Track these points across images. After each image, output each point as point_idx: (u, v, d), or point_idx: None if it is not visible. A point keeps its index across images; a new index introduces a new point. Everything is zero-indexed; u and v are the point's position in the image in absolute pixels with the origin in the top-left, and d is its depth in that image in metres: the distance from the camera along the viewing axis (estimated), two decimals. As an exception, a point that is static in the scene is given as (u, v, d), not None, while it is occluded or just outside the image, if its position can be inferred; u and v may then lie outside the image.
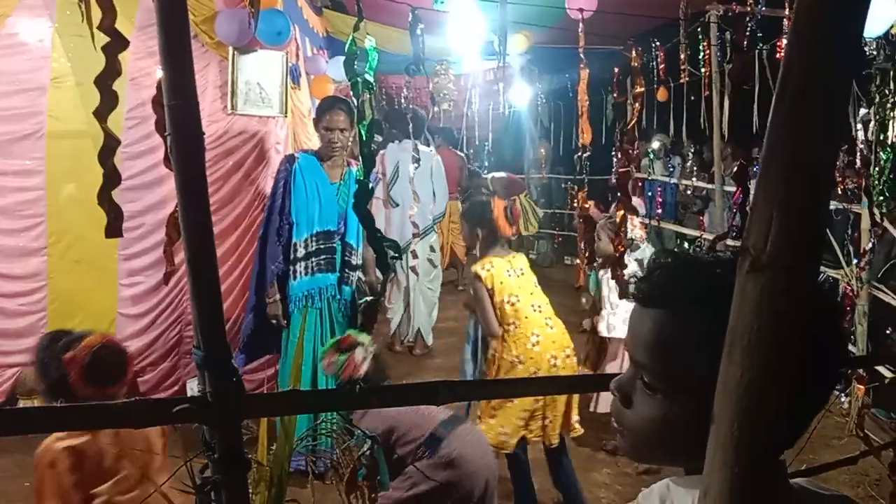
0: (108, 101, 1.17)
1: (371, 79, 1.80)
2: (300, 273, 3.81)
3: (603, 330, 4.19)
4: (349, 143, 3.87)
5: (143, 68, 4.19)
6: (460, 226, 4.05)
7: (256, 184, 4.42)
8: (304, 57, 5.60)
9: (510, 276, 3.47)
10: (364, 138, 1.69)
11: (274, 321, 3.80)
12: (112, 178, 1.16)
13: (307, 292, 3.82)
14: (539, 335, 3.41)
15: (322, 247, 3.80)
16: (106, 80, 1.16)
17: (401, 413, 2.78)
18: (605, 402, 4.20)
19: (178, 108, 1.19)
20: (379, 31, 6.19)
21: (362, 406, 1.41)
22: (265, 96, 4.41)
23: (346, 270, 3.85)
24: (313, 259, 3.78)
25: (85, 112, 4.14)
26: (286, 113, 4.59)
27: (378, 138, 6.66)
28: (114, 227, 1.21)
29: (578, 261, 4.23)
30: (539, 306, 3.50)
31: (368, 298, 3.80)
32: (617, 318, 4.09)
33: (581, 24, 2.96)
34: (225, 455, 1.20)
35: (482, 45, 5.68)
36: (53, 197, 4.26)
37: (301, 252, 3.81)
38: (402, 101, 7.89)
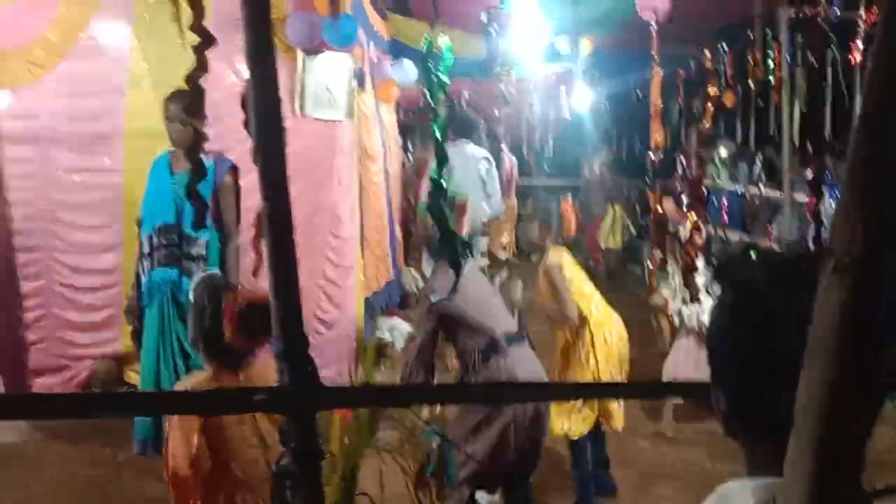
0: (198, 98, 1.21)
1: (446, 79, 1.82)
2: (145, 269, 3.74)
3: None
4: (189, 134, 3.59)
5: (212, 70, 4.31)
6: (526, 221, 4.20)
7: (322, 186, 4.50)
8: (370, 60, 5.67)
9: (577, 268, 3.72)
10: (439, 137, 1.71)
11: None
12: (200, 172, 1.20)
13: (150, 289, 3.72)
14: (610, 328, 3.65)
15: (164, 241, 3.67)
16: (196, 78, 1.20)
17: (473, 309, 2.78)
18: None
19: (262, 105, 1.23)
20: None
21: (438, 400, 1.42)
22: (333, 99, 4.48)
23: (186, 262, 3.65)
24: (155, 254, 3.68)
25: (161, 113, 4.29)
26: (353, 116, 4.66)
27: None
28: (201, 220, 1.25)
29: (650, 264, 4.19)
30: (599, 299, 3.74)
31: None
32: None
33: (655, 25, 2.91)
34: (300, 445, 1.23)
35: (545, 47, 5.68)
36: (129, 195, 4.43)
37: (146, 248, 3.74)
38: (463, 103, 7.92)
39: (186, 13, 1.83)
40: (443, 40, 2.03)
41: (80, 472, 3.84)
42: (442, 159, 1.67)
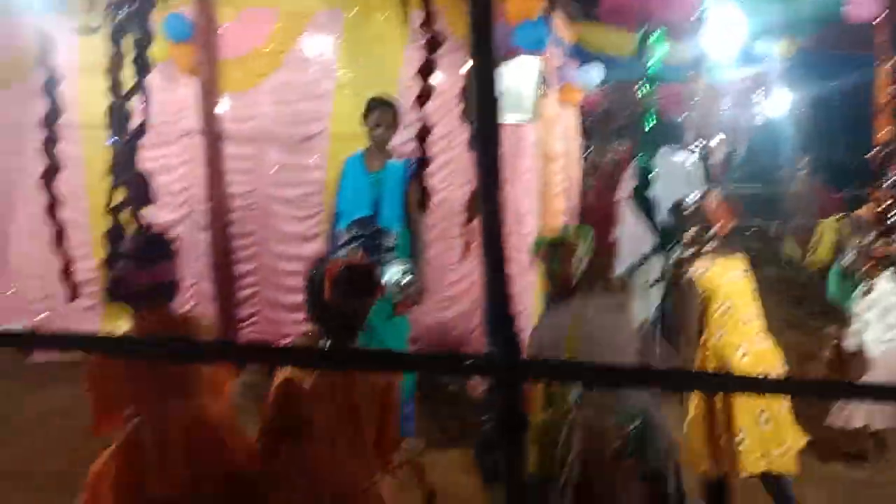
0: (427, 94, 1.33)
1: (657, 73, 1.83)
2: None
3: (852, 345, 3.88)
4: (388, 137, 4.04)
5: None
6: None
7: (506, 184, 4.62)
8: (554, 65, 5.73)
9: (730, 280, 3.35)
10: (647, 131, 1.74)
11: None
12: (422, 162, 1.32)
13: None
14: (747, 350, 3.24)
15: (358, 234, 4.02)
16: (426, 75, 1.32)
17: None
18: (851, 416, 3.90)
19: (483, 97, 1.34)
20: (629, 38, 6.17)
21: (647, 384, 1.46)
22: (520, 102, 4.60)
23: (381, 254, 3.99)
24: (351, 245, 4.00)
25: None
26: (537, 118, 4.75)
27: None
28: (423, 205, 1.36)
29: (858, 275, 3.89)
30: (750, 319, 3.34)
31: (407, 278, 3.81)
32: (870, 335, 3.75)
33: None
34: (505, 415, 1.31)
35: (742, 49, 5.43)
36: (332, 190, 4.82)
37: (342, 239, 4.09)
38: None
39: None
40: (654, 42, 2.05)
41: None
42: (649, 151, 1.69)
